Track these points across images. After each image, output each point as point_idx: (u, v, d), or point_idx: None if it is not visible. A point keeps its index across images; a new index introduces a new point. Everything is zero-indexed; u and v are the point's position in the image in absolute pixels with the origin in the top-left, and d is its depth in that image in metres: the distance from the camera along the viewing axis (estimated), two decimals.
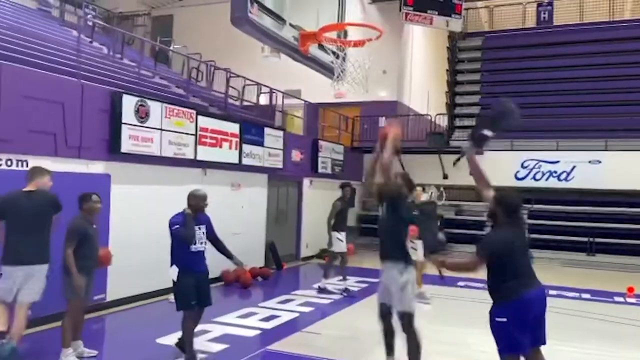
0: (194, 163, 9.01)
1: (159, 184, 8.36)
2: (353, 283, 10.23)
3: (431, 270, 8.30)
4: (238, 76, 13.03)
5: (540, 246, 13.55)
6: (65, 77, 7.34)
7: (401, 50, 17.50)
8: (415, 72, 18.05)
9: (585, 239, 14.08)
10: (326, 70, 5.83)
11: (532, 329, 3.86)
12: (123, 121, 7.48)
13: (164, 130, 8.20)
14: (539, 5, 20.08)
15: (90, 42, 13.16)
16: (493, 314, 3.91)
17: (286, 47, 4.93)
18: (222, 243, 5.74)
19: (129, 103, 7.60)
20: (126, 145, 7.54)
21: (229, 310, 7.75)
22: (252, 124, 10.81)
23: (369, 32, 5.37)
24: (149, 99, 8.06)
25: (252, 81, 12.81)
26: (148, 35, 18.02)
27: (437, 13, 16.26)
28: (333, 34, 5.25)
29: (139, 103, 7.77)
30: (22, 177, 6.09)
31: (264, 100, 14.13)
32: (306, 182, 13.22)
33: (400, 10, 15.89)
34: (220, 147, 9.58)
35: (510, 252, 3.89)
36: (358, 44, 5.26)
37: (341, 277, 9.50)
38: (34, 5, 14.23)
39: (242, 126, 10.17)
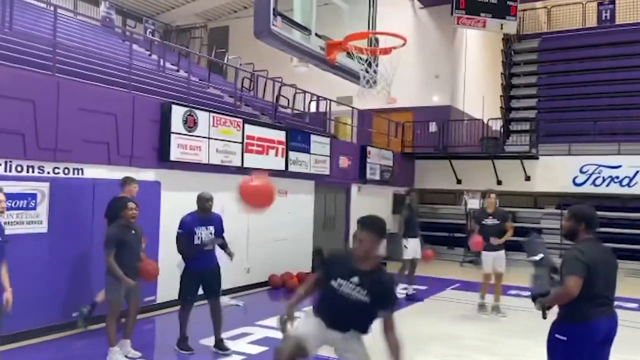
0: (241, 170, 9.27)
1: (207, 190, 8.65)
2: (399, 290, 10.18)
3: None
4: (287, 85, 13.32)
5: None
6: (118, 89, 7.78)
7: (454, 54, 17.27)
8: (469, 76, 17.72)
9: None
10: (355, 77, 5.89)
11: (592, 356, 3.62)
12: (172, 130, 7.84)
13: (211, 138, 8.51)
14: (600, 4, 19.25)
15: (149, 55, 13.84)
16: (554, 328, 3.70)
17: (312, 57, 5.02)
18: (225, 242, 6.18)
19: (177, 113, 7.95)
20: (175, 154, 7.88)
21: (273, 313, 7.86)
22: (299, 131, 11.00)
23: (403, 39, 5.41)
24: (197, 108, 8.39)
25: (300, 89, 13.04)
26: (205, 47, 18.69)
27: (490, 16, 15.90)
28: (363, 42, 5.32)
29: (187, 113, 8.11)
30: (78, 185, 6.54)
31: (315, 107, 14.35)
32: (354, 188, 13.27)
33: (452, 14, 15.68)
34: (267, 154, 9.81)
35: (593, 271, 3.57)
36: (384, 51, 5.30)
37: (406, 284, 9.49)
38: (99, 22, 15.08)
39: (288, 133, 10.37)
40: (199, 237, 5.84)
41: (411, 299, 9.30)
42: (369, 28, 6.02)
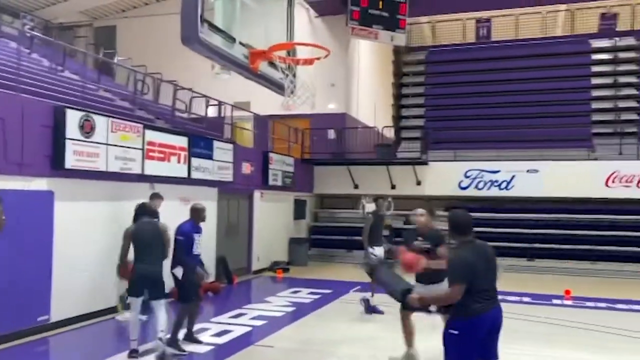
0: (142, 178, 8.85)
1: (106, 200, 8.18)
2: (305, 295, 10.31)
3: None
4: (184, 88, 12.92)
5: None
6: (4, 91, 7.09)
7: (348, 63, 17.82)
8: (363, 85, 18.40)
9: (525, 245, 14.69)
10: (276, 86, 5.92)
11: (482, 345, 3.98)
12: (67, 136, 7.27)
13: (109, 145, 8.02)
14: (478, 21, 20.97)
15: (29, 54, 12.74)
16: (448, 324, 4.06)
17: (236, 65, 4.96)
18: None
19: (73, 118, 7.40)
20: (70, 161, 7.32)
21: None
22: (201, 138, 10.73)
23: (318, 50, 5.54)
24: (94, 113, 7.88)
25: (199, 94, 12.73)
26: (90, 47, 17.57)
27: (382, 28, 16.61)
28: (283, 52, 5.37)
29: (84, 118, 7.59)
30: None
31: (212, 112, 14.04)
32: (257, 194, 13.20)
33: (346, 24, 16.18)
34: (169, 161, 9.45)
35: (474, 271, 3.93)
36: (307, 62, 5.41)
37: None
38: None
39: (190, 140, 10.08)
40: (196, 244, 6.44)
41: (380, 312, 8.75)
42: (287, 38, 6.09)
